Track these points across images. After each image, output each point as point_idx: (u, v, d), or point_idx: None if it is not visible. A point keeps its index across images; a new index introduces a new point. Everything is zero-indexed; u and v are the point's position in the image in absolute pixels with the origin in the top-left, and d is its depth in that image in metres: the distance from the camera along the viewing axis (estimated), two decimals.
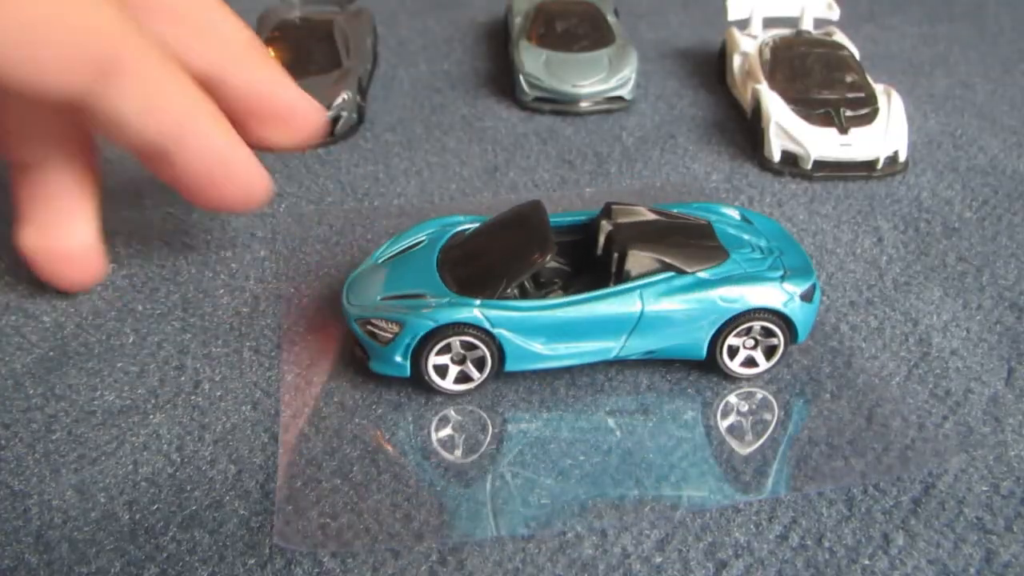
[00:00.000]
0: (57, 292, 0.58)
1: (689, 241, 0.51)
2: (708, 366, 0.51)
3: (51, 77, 0.43)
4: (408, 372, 0.49)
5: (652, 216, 0.52)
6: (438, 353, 0.48)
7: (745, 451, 0.47)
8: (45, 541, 0.41)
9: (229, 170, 0.51)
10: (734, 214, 0.57)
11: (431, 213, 0.67)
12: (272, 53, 0.82)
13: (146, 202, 0.68)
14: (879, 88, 0.76)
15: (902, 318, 0.56)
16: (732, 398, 0.50)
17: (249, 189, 0.53)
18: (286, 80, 0.56)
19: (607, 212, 0.53)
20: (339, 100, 0.77)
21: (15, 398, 0.50)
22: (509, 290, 0.49)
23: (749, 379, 0.51)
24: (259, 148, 0.55)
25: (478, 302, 0.48)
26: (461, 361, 0.49)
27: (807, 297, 0.50)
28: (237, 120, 0.52)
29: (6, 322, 0.55)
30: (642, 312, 0.48)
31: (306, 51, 0.83)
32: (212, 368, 0.52)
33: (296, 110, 0.56)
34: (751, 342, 0.50)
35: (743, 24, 0.88)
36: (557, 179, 0.72)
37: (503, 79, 0.90)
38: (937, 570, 0.40)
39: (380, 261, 0.54)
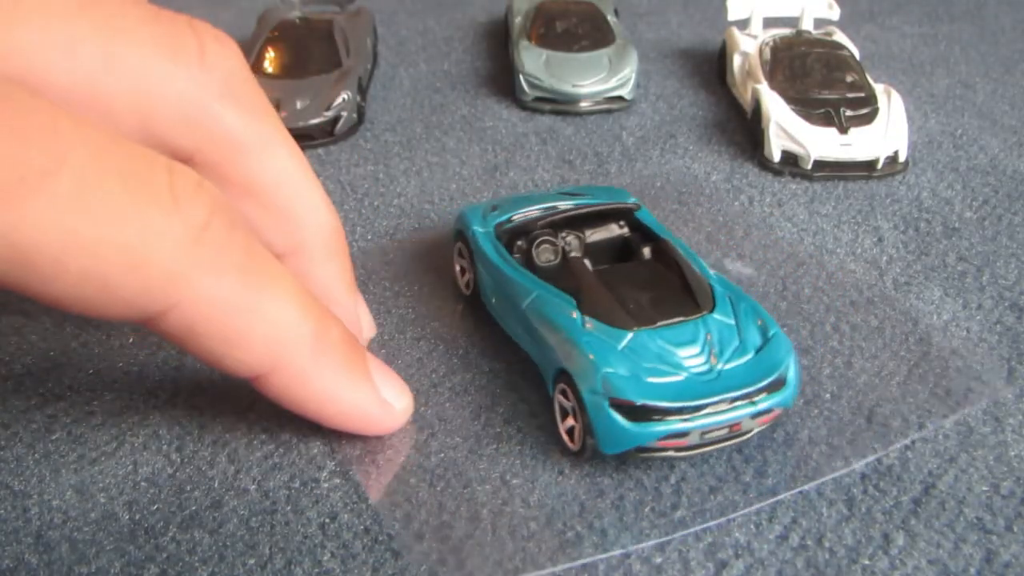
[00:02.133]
0: None
1: (646, 296, 0.47)
2: None
3: (64, 306, 0.34)
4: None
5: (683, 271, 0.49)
6: (459, 255, 0.57)
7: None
8: (45, 541, 0.41)
9: (332, 407, 0.43)
10: (756, 336, 0.46)
11: (431, 213, 0.67)
12: (271, 53, 0.82)
13: None
14: (879, 88, 0.76)
15: (902, 318, 0.56)
16: None
17: (361, 424, 0.45)
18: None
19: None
20: (339, 100, 0.77)
21: (15, 398, 0.50)
22: (515, 240, 0.53)
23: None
24: None
25: (489, 229, 0.54)
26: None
27: (621, 411, 0.42)
28: None
29: (6, 322, 0.55)
30: (524, 308, 0.49)
31: (306, 51, 0.83)
32: (211, 368, 0.52)
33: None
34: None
35: (743, 24, 0.88)
36: (557, 179, 0.72)
37: (503, 79, 0.90)
38: (937, 570, 0.40)
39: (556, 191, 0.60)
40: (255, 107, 0.42)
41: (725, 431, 0.43)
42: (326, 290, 0.46)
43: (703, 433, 0.42)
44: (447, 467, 0.45)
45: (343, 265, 0.48)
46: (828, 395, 0.50)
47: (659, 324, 0.45)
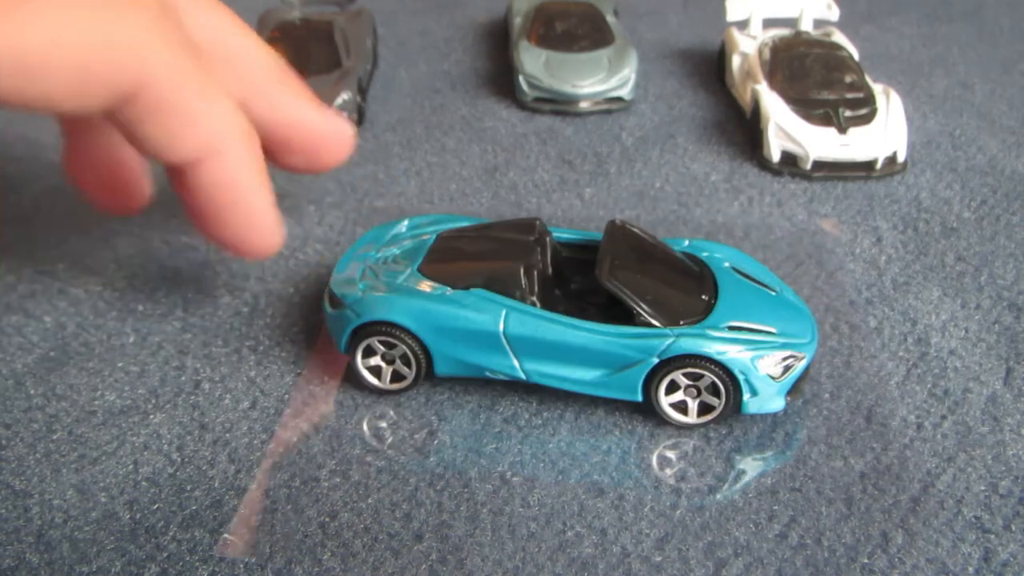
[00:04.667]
0: (58, 292, 0.58)
1: (491, 261, 0.50)
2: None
3: (55, 103, 0.38)
4: None
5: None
6: None
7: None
8: (46, 540, 0.42)
9: (243, 209, 0.47)
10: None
11: (431, 213, 0.67)
12: None
13: None
14: (878, 88, 0.76)
15: (901, 318, 0.56)
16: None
17: (258, 236, 0.48)
18: (315, 108, 0.51)
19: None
20: (339, 100, 0.77)
21: (16, 398, 0.50)
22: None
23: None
24: (285, 170, 0.53)
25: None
26: None
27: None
28: (263, 148, 0.48)
29: (7, 322, 0.55)
30: None
31: (306, 51, 0.83)
32: (212, 368, 0.52)
33: (325, 139, 0.52)
34: None
35: (742, 24, 0.89)
36: (557, 179, 0.72)
37: (503, 79, 0.90)
38: (936, 569, 0.40)
39: None
40: None
41: None
42: (296, 115, 0.50)
43: None
44: (447, 467, 0.45)
45: (297, 86, 0.50)
46: (827, 395, 0.50)
47: (425, 276, 0.50)
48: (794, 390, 0.47)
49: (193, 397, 0.50)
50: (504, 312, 0.47)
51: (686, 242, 0.55)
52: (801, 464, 0.46)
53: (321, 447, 0.46)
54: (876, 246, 0.64)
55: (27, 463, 0.46)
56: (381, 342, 0.49)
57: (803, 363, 0.47)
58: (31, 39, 0.36)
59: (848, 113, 0.73)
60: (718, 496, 0.44)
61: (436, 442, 0.47)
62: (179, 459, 0.46)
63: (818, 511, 0.43)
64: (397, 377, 0.50)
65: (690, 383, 0.47)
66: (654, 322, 0.47)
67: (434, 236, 0.54)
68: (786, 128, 0.73)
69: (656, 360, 0.46)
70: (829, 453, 0.46)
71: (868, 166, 0.72)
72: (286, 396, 0.50)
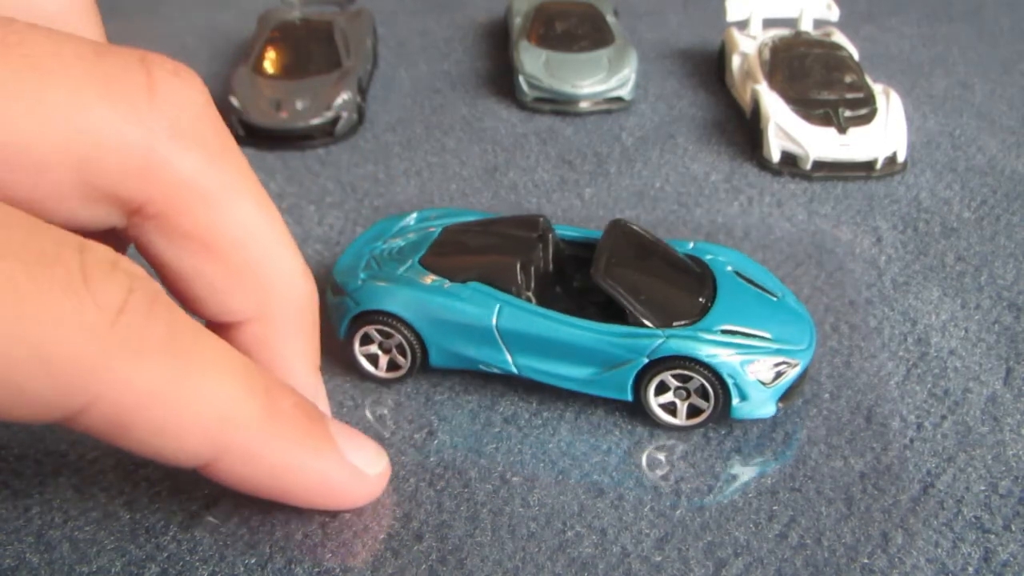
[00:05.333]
0: None
1: (485, 256, 0.51)
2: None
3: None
4: None
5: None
6: None
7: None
8: (46, 540, 0.42)
9: (301, 481, 0.39)
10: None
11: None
12: (272, 53, 0.82)
13: None
14: (878, 88, 0.76)
15: (901, 318, 0.56)
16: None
17: (338, 493, 0.41)
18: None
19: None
20: (339, 100, 0.77)
21: None
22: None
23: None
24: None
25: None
26: None
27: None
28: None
29: None
30: None
31: (306, 52, 0.83)
32: None
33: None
34: None
35: (742, 25, 0.89)
36: (557, 179, 0.72)
37: (503, 79, 0.90)
38: (936, 569, 0.40)
39: None
40: (214, 148, 0.37)
41: None
42: (287, 367, 0.41)
43: None
44: (447, 467, 0.45)
45: (311, 341, 0.43)
46: (827, 395, 0.50)
47: (425, 268, 0.50)
48: (787, 396, 0.47)
49: None
50: (498, 306, 0.48)
51: (691, 244, 0.55)
52: (801, 464, 0.46)
53: None
54: (876, 246, 0.64)
55: (27, 463, 0.46)
56: (378, 331, 0.49)
57: (796, 370, 0.47)
58: None
59: (848, 113, 0.73)
60: (718, 496, 0.44)
61: (436, 442, 0.47)
62: None
63: (818, 511, 0.43)
64: (393, 366, 0.50)
65: (679, 385, 0.47)
66: (646, 322, 0.47)
67: (439, 229, 0.54)
68: (786, 128, 0.73)
69: (646, 360, 0.46)
70: (829, 453, 0.46)
71: (868, 166, 0.72)
72: None
